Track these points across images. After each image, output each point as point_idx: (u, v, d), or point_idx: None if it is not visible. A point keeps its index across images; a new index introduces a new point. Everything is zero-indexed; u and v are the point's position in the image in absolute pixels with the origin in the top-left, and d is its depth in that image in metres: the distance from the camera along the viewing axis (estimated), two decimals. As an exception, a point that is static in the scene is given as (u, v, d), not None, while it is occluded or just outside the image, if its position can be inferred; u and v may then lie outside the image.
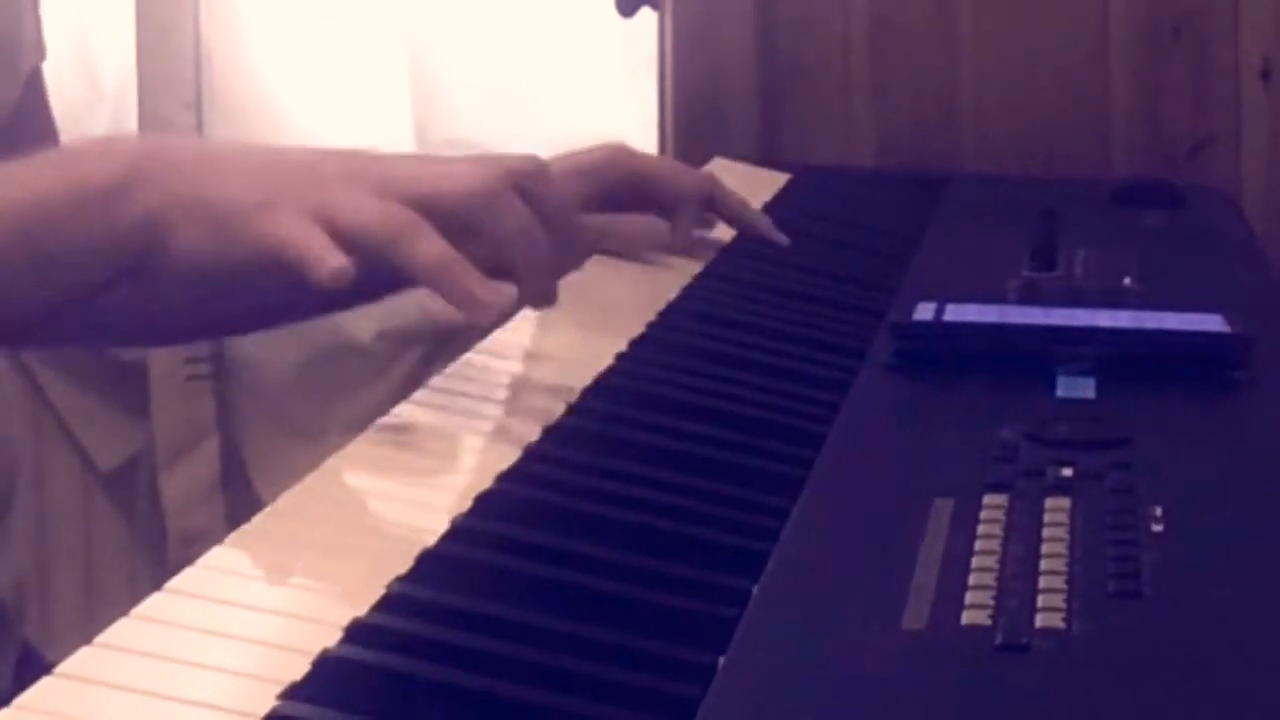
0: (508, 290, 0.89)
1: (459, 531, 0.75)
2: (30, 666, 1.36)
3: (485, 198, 0.91)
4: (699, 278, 1.18)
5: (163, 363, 2.00)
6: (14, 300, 0.92)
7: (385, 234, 0.88)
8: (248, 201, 0.90)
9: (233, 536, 0.74)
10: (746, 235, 1.26)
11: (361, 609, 0.67)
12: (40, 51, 1.30)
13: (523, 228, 0.91)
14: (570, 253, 0.94)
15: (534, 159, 0.94)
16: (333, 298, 0.93)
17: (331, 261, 0.86)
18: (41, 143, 1.31)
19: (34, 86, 1.29)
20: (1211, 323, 0.99)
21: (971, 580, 0.69)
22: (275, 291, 0.94)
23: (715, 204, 1.25)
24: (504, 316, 0.90)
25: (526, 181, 0.92)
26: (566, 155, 1.20)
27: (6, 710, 0.58)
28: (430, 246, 0.88)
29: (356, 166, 0.92)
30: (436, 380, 0.96)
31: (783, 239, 1.25)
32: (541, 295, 0.91)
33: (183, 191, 0.91)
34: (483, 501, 0.78)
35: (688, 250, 1.22)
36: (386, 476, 0.84)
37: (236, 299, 0.96)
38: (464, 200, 0.90)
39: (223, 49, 1.96)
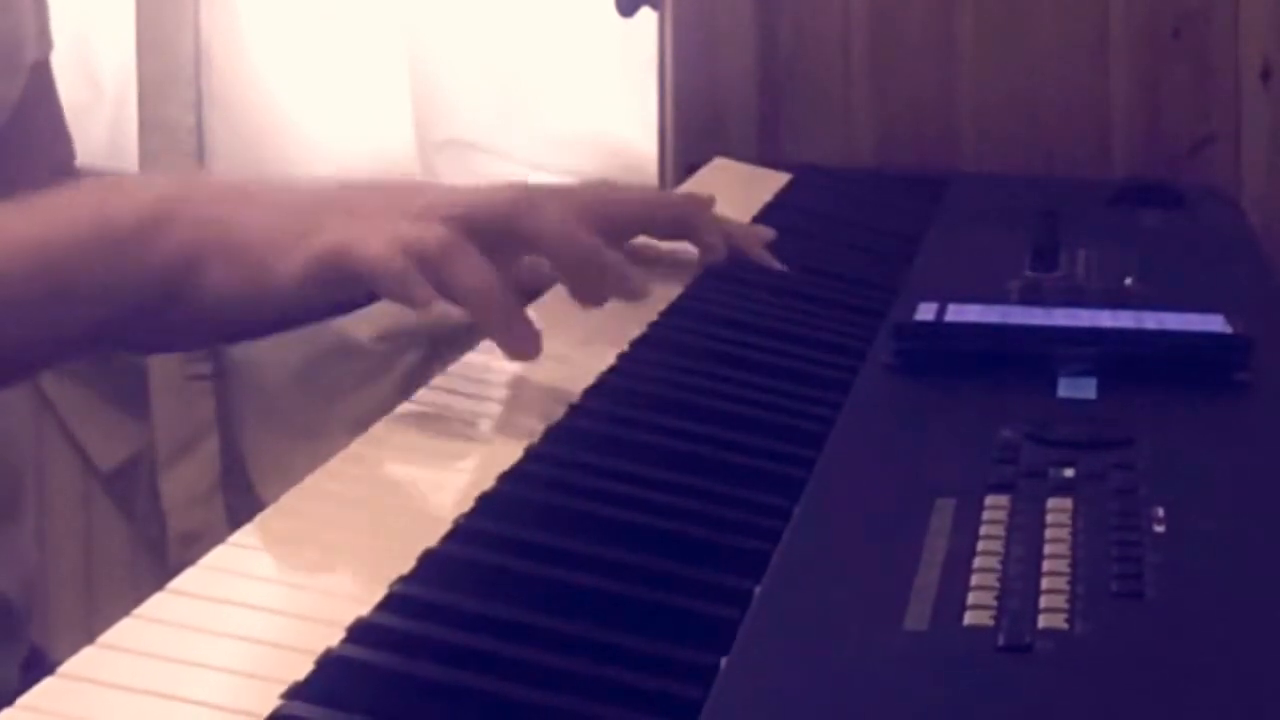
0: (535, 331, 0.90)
1: (461, 531, 0.75)
2: (36, 667, 1.36)
3: (521, 204, 0.91)
4: (699, 278, 1.18)
5: (163, 363, 2.00)
6: (40, 334, 0.92)
7: (432, 254, 0.89)
8: (278, 238, 0.90)
9: (234, 536, 0.74)
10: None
11: (364, 609, 0.67)
12: (45, 44, 1.30)
13: (564, 227, 0.91)
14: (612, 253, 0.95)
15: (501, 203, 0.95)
16: (339, 304, 0.93)
17: (397, 264, 0.87)
18: (51, 137, 1.31)
19: (41, 79, 1.29)
20: (1213, 323, 0.99)
21: (973, 581, 0.69)
22: (299, 318, 0.94)
23: (695, 234, 1.17)
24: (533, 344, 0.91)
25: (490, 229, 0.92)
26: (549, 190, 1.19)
27: (10, 710, 0.59)
28: (472, 270, 0.89)
29: (390, 198, 0.92)
30: (437, 380, 0.96)
31: (776, 264, 1.19)
32: (591, 291, 0.91)
33: (213, 229, 0.91)
34: (485, 501, 0.78)
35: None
36: (387, 476, 0.84)
37: (259, 324, 0.97)
38: (503, 209, 0.91)
39: (223, 49, 1.96)
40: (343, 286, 0.91)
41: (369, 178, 0.98)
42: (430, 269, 0.89)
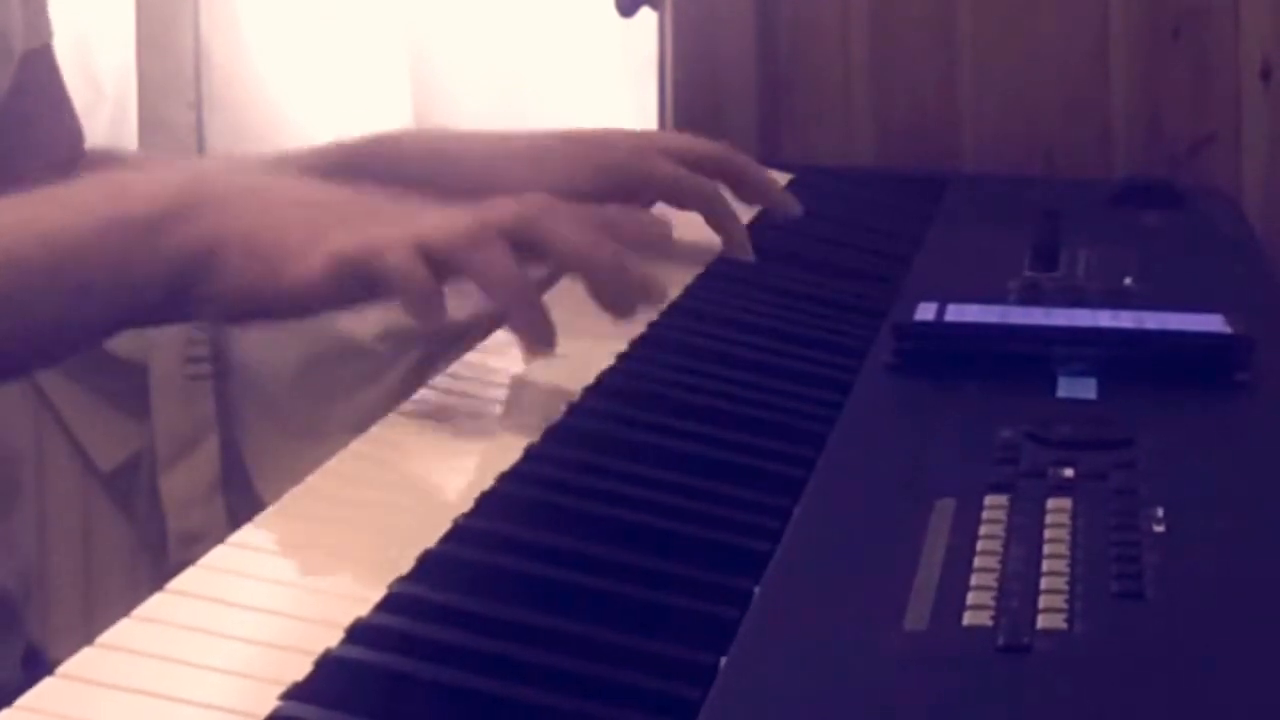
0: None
1: (461, 531, 0.75)
2: (34, 664, 1.36)
3: (539, 218, 0.91)
4: (699, 278, 1.18)
5: (163, 363, 2.00)
6: (58, 321, 0.92)
7: (462, 248, 0.89)
8: (291, 238, 0.90)
9: (234, 536, 0.74)
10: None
11: (363, 609, 0.67)
12: (40, 33, 1.29)
13: (582, 240, 0.91)
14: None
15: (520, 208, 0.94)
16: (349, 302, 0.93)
17: (420, 275, 0.87)
18: (53, 127, 1.30)
19: (38, 66, 1.28)
20: (1212, 323, 0.99)
21: (973, 581, 0.69)
22: (309, 313, 0.94)
23: (737, 184, 1.26)
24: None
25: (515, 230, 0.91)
26: (581, 139, 1.22)
27: (9, 711, 0.59)
28: (498, 259, 0.88)
29: (409, 208, 0.92)
30: (437, 380, 0.96)
31: (797, 207, 1.27)
32: (617, 302, 0.91)
33: (231, 223, 0.91)
34: (484, 501, 0.78)
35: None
36: (388, 476, 0.84)
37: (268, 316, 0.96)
38: (515, 222, 0.90)
39: (223, 49, 1.96)
40: (359, 288, 0.91)
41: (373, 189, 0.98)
42: (456, 260, 0.88)
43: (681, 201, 1.21)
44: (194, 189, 0.92)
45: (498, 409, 0.94)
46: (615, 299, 0.91)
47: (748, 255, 1.21)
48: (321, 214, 0.92)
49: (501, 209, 0.91)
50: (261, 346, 1.96)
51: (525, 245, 0.90)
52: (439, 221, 0.90)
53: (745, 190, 1.27)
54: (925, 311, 1.02)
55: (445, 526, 0.75)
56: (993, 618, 0.66)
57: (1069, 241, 1.20)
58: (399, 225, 0.90)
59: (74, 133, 1.32)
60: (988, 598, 0.68)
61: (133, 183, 0.93)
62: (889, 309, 1.08)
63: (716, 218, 1.21)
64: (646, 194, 1.22)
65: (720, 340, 1.05)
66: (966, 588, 0.69)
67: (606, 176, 1.21)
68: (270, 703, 0.60)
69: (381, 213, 0.92)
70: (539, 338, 0.89)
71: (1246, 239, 1.40)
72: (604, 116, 1.88)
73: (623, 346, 1.01)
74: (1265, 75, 1.62)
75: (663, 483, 0.81)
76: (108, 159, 1.32)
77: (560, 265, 0.93)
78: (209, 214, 0.91)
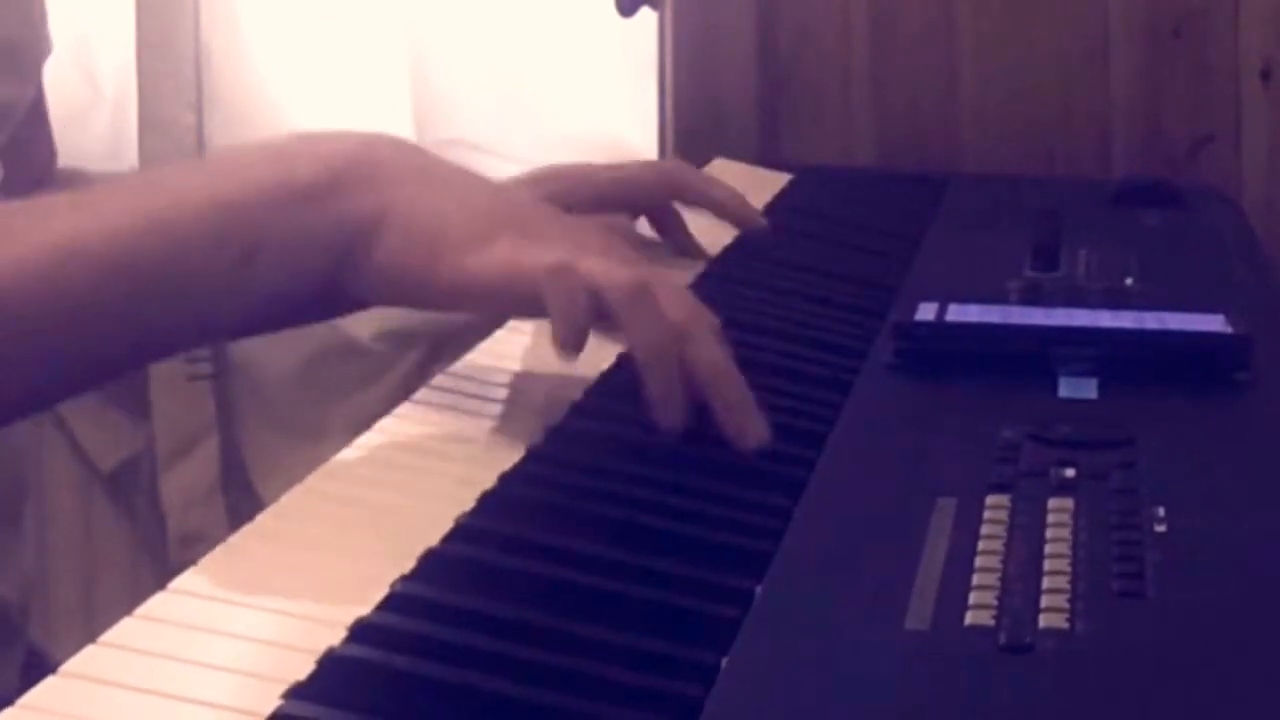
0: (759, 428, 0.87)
1: (463, 531, 0.75)
2: (35, 670, 1.36)
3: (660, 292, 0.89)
4: (699, 278, 1.18)
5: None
6: (213, 298, 0.87)
7: (622, 298, 0.87)
8: (455, 232, 0.88)
9: (234, 536, 0.74)
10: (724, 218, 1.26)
11: (365, 608, 0.67)
12: (47, 45, 1.29)
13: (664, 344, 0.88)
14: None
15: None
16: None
17: (581, 302, 0.85)
18: (38, 139, 1.30)
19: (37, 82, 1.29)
20: (1213, 323, 0.99)
21: (975, 580, 0.69)
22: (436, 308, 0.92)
23: (684, 198, 1.25)
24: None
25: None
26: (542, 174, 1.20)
27: (10, 709, 0.59)
28: (657, 322, 0.87)
29: (567, 229, 0.90)
30: (438, 380, 0.96)
31: (762, 221, 1.27)
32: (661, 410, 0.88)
33: (399, 201, 0.88)
34: (486, 501, 0.78)
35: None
36: (388, 476, 0.84)
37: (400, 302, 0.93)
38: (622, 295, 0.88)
39: (223, 49, 1.96)
40: (511, 300, 0.89)
41: (545, 203, 0.95)
42: (617, 311, 0.86)
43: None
44: (366, 158, 0.89)
45: (498, 409, 0.94)
46: (659, 404, 0.88)
47: (761, 223, 1.24)
48: (489, 213, 0.89)
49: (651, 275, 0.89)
50: (261, 347, 1.96)
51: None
52: (604, 264, 0.87)
53: (709, 209, 1.27)
54: (926, 311, 1.02)
55: (446, 526, 0.75)
56: (994, 617, 0.67)
57: (1069, 241, 1.20)
58: (564, 247, 0.88)
59: (51, 150, 1.32)
60: (989, 597, 0.68)
61: (300, 149, 0.90)
62: (889, 309, 1.08)
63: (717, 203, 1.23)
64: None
65: (721, 340, 1.05)
66: (968, 587, 0.69)
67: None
68: (272, 701, 0.60)
69: (547, 228, 0.90)
70: (670, 411, 0.86)
71: (1246, 239, 1.40)
72: (604, 117, 1.89)
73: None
74: (1265, 75, 1.62)
75: (664, 482, 0.81)
76: (75, 178, 1.32)
77: (630, 347, 0.90)
78: (379, 186, 0.88)
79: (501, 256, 0.87)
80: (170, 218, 0.85)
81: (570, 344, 0.86)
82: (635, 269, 0.88)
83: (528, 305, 0.88)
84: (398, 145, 0.91)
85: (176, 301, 0.86)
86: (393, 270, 0.88)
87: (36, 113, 1.30)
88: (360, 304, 0.91)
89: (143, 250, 0.84)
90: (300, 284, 0.88)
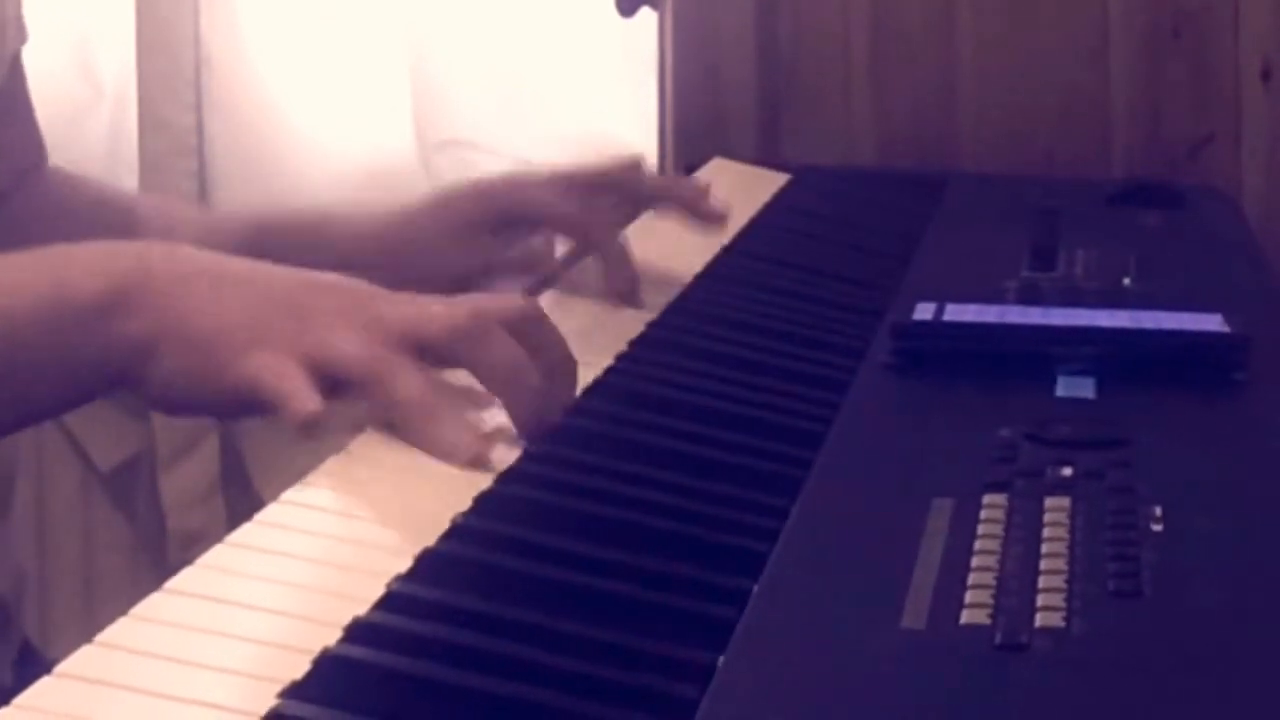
0: (481, 438, 0.86)
1: (459, 531, 0.75)
2: (29, 665, 1.36)
3: (470, 334, 0.88)
4: (699, 278, 1.18)
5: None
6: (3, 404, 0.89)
7: (365, 374, 0.86)
8: (233, 337, 0.87)
9: (232, 536, 0.74)
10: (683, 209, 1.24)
11: (362, 608, 0.67)
12: (21, 34, 1.28)
13: (509, 364, 0.88)
14: (564, 390, 0.91)
15: (524, 303, 0.92)
16: None
17: (307, 406, 0.85)
18: (19, 136, 1.29)
19: (15, 71, 1.28)
20: (1211, 323, 0.99)
21: (971, 580, 0.69)
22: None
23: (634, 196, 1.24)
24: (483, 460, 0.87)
25: (516, 323, 0.89)
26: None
27: (6, 709, 0.59)
28: (408, 389, 0.86)
29: (347, 303, 0.89)
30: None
31: (719, 214, 1.24)
32: (533, 429, 0.88)
33: (171, 319, 0.88)
34: (483, 501, 0.78)
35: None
36: (386, 476, 0.84)
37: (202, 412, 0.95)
38: (447, 337, 0.89)
39: (223, 49, 1.96)
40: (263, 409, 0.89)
41: (331, 274, 0.94)
42: (362, 385, 0.87)
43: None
44: (136, 276, 0.89)
45: (498, 409, 0.94)
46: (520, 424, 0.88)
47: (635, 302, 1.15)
48: (262, 310, 0.88)
49: (427, 326, 0.88)
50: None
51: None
52: (356, 337, 0.87)
53: (679, 205, 1.24)
54: (924, 311, 1.02)
55: (444, 526, 0.75)
56: (990, 616, 0.67)
57: (1068, 241, 1.20)
58: (343, 324, 0.88)
59: (37, 143, 1.31)
60: (986, 596, 0.68)
61: (75, 264, 0.89)
62: (887, 309, 1.08)
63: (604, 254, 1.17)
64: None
65: (719, 340, 1.05)
66: (964, 586, 0.69)
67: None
68: (269, 701, 0.60)
69: (324, 309, 0.89)
70: (446, 451, 0.86)
71: (1246, 239, 1.40)
72: (604, 116, 1.89)
73: (623, 346, 1.01)
74: (1265, 75, 1.62)
75: (661, 483, 0.81)
76: (68, 181, 1.31)
77: (482, 381, 0.90)
78: (151, 303, 0.88)
79: (248, 374, 0.87)
80: None
81: (304, 432, 0.86)
82: (376, 349, 0.87)
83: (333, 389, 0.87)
84: (171, 255, 0.91)
85: None
86: (177, 383, 0.88)
87: (14, 102, 1.28)
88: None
89: None
90: (88, 394, 0.90)
